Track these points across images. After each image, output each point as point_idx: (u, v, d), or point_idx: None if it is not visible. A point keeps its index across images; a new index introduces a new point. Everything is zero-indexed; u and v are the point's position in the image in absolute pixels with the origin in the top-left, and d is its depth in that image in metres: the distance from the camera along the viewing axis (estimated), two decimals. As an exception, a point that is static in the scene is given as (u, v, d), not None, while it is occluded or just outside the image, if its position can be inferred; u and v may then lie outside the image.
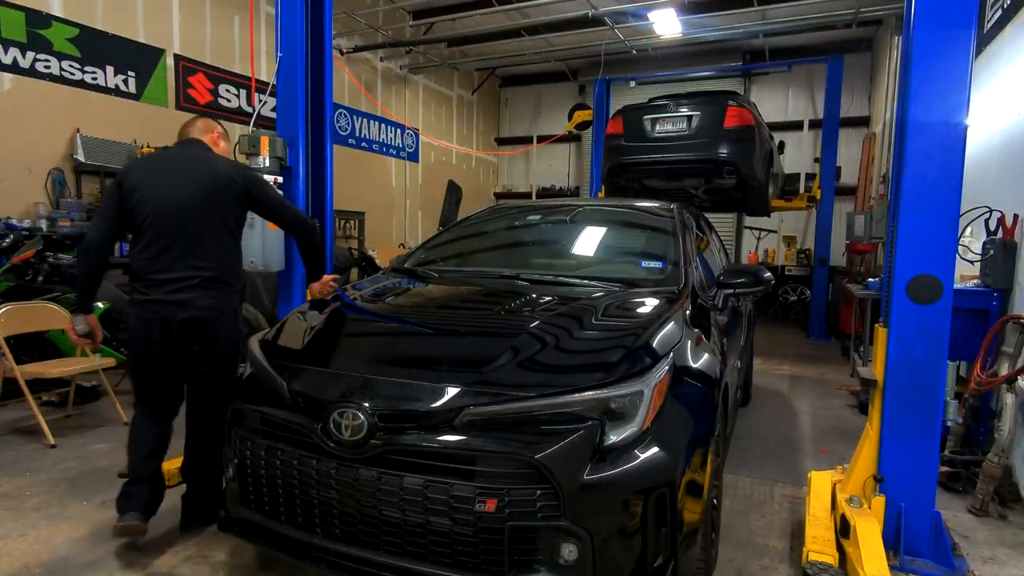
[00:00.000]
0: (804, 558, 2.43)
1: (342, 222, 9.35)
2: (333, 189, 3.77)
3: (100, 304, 4.61)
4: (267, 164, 3.40)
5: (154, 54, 6.72)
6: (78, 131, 5.95)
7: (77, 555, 2.47)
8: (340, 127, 9.27)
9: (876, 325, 2.65)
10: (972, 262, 3.94)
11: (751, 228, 11.38)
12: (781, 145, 7.91)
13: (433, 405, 1.81)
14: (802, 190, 10.08)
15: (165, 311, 2.43)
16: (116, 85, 6.35)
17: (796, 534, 2.79)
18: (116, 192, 2.55)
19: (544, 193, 13.37)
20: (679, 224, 3.08)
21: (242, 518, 2.12)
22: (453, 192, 7.42)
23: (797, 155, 11.16)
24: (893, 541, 2.50)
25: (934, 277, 2.38)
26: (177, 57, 6.98)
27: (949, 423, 3.51)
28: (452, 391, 1.83)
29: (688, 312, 2.33)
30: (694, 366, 2.09)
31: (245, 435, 2.10)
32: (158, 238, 2.49)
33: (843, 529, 2.56)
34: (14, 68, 5.54)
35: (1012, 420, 3.14)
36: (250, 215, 3.45)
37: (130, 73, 6.48)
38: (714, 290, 2.90)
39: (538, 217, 3.59)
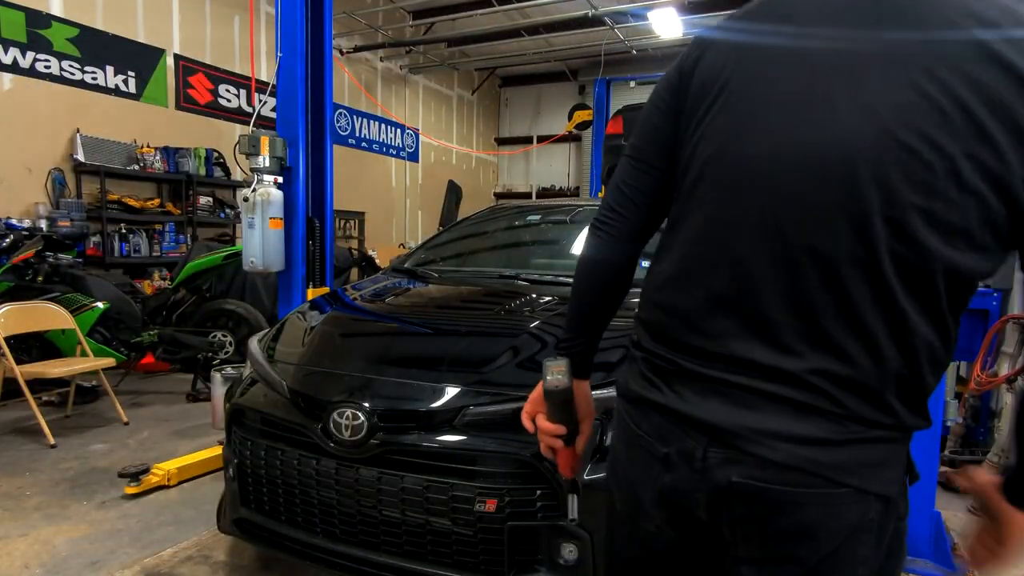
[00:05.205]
0: (804, 558, 2.42)
1: (342, 222, 9.34)
2: (333, 189, 3.77)
3: (100, 304, 4.61)
4: (267, 164, 3.40)
5: (154, 54, 6.71)
6: (78, 131, 5.95)
7: (77, 555, 2.47)
8: (340, 127, 9.26)
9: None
10: (972, 262, 3.94)
11: (751, 228, 11.37)
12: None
13: (433, 405, 1.81)
14: (802, 190, 10.07)
15: (695, 445, 0.88)
16: (116, 85, 6.34)
17: (796, 534, 2.78)
18: (673, 86, 0.98)
19: (544, 193, 13.37)
20: (679, 224, 3.07)
21: (242, 518, 2.12)
22: (453, 192, 7.43)
23: (797, 155, 11.14)
24: (893, 541, 2.50)
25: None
26: (177, 57, 6.98)
27: (949, 423, 3.50)
28: (452, 391, 1.83)
29: (688, 312, 2.33)
30: (694, 366, 2.09)
31: (245, 435, 2.10)
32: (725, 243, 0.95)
33: (843, 529, 2.55)
34: (14, 68, 5.53)
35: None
36: (250, 215, 3.47)
37: (130, 73, 6.47)
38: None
39: (538, 217, 3.59)
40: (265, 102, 3.81)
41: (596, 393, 1.82)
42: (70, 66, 5.94)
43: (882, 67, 0.76)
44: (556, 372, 1.05)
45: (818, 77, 0.80)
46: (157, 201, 6.57)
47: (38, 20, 5.69)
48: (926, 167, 0.73)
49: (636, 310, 1.05)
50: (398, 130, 10.68)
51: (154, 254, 6.38)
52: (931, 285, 0.76)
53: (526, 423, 1.11)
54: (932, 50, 0.73)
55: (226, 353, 5.09)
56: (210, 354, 4.87)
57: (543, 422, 1.08)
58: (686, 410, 0.87)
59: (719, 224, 0.86)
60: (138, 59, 6.55)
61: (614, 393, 1.77)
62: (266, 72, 7.66)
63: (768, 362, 0.82)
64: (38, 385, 4.28)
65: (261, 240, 3.40)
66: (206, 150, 6.84)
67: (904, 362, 0.78)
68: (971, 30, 0.72)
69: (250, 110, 7.67)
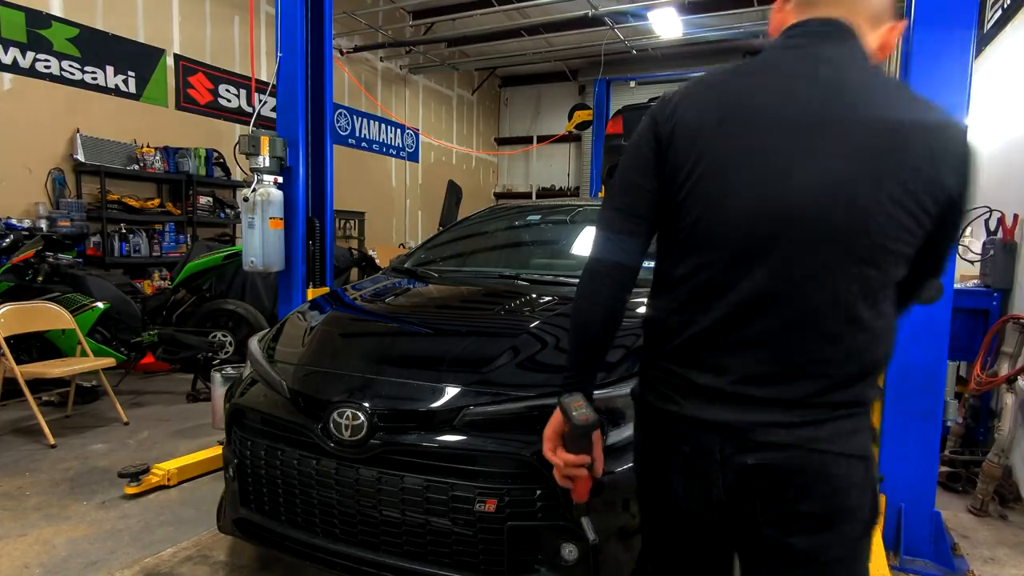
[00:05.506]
0: (804, 558, 2.42)
1: (342, 222, 9.35)
2: (333, 189, 3.77)
3: (100, 304, 4.61)
4: (267, 164, 3.40)
5: (154, 54, 6.72)
6: (78, 131, 5.95)
7: (77, 555, 2.47)
8: (340, 127, 9.27)
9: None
10: (972, 262, 3.94)
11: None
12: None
13: (433, 405, 1.81)
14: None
15: (711, 442, 1.06)
16: (116, 85, 6.35)
17: (796, 534, 2.78)
18: (651, 148, 1.13)
19: (544, 193, 13.37)
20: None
21: (242, 518, 2.12)
22: (453, 192, 7.42)
23: (797, 155, 11.14)
24: (893, 541, 2.51)
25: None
26: (177, 57, 6.98)
27: (949, 423, 3.50)
28: (452, 391, 1.83)
29: (688, 312, 2.33)
30: (694, 366, 2.09)
31: (245, 435, 2.10)
32: (728, 278, 1.06)
33: (843, 529, 2.55)
34: (14, 68, 5.53)
35: (1012, 420, 3.14)
36: (250, 215, 3.47)
37: (130, 73, 6.47)
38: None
39: (538, 217, 3.59)
40: (265, 102, 3.81)
41: (598, 393, 1.83)
42: (70, 66, 5.94)
43: (833, 137, 0.99)
44: (579, 408, 1.14)
45: (785, 144, 1.01)
46: (157, 201, 6.57)
47: (38, 20, 5.69)
48: (879, 211, 0.97)
49: (645, 326, 1.20)
50: (398, 130, 10.69)
51: (154, 254, 6.38)
52: (883, 295, 1.02)
53: (550, 458, 1.20)
54: (866, 127, 0.98)
55: (226, 353, 5.09)
56: (210, 354, 4.87)
57: (566, 456, 1.17)
58: (702, 415, 1.06)
59: (717, 265, 1.05)
60: (138, 59, 6.55)
61: (614, 393, 1.79)
62: (266, 72, 7.67)
63: (766, 371, 1.03)
64: (38, 385, 4.29)
65: (261, 240, 3.40)
66: (206, 150, 6.85)
67: (869, 357, 1.02)
68: (891, 112, 0.98)
69: (250, 110, 7.67)
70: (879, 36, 1.10)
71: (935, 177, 0.98)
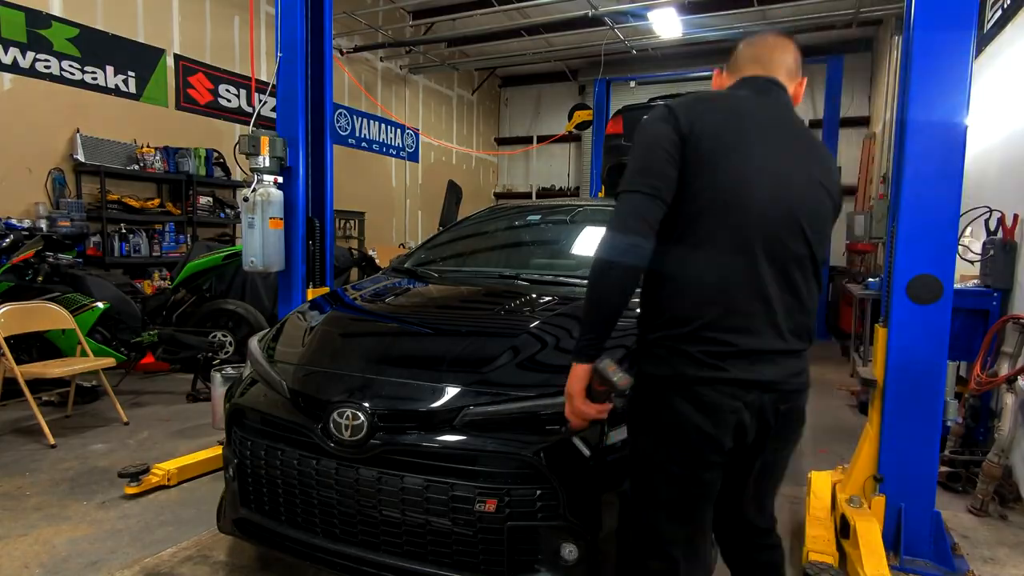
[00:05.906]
0: (804, 558, 2.42)
1: (342, 222, 9.34)
2: (333, 189, 3.77)
3: (100, 304, 4.61)
4: (267, 164, 3.40)
5: (154, 54, 6.72)
6: (78, 131, 5.95)
7: (77, 555, 2.47)
8: (340, 127, 9.26)
9: (876, 325, 2.65)
10: (972, 262, 3.94)
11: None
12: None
13: (433, 405, 1.81)
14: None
15: (753, 398, 1.39)
16: (116, 85, 6.35)
17: (796, 534, 2.79)
18: (674, 143, 1.38)
19: (544, 193, 13.36)
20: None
21: (242, 518, 2.12)
22: (453, 192, 7.42)
23: (797, 155, 11.11)
24: (893, 541, 2.50)
25: (934, 277, 2.38)
26: (177, 57, 6.98)
27: (949, 423, 3.50)
28: (452, 391, 1.84)
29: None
30: (694, 366, 2.09)
31: (245, 435, 2.10)
32: (746, 254, 1.38)
33: (843, 529, 2.56)
34: (14, 68, 5.53)
35: (1012, 420, 3.14)
36: (250, 215, 3.46)
37: (130, 73, 6.47)
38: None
39: (538, 217, 3.59)
40: (265, 102, 3.81)
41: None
42: (70, 66, 5.94)
43: (804, 150, 1.47)
44: (615, 371, 1.34)
45: (770, 155, 1.41)
46: (157, 201, 6.57)
47: (38, 20, 5.69)
48: (827, 201, 1.49)
49: (665, 309, 1.42)
50: (398, 130, 10.68)
51: (154, 254, 6.38)
52: (819, 269, 1.46)
53: (583, 409, 1.40)
54: (811, 144, 1.50)
55: (226, 353, 5.09)
56: (210, 354, 4.87)
57: (595, 406, 1.41)
58: (746, 376, 1.37)
59: (739, 247, 1.36)
60: (138, 59, 6.55)
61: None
62: (266, 72, 7.67)
63: (786, 331, 1.41)
64: (38, 385, 4.29)
65: (261, 240, 3.40)
66: (206, 150, 6.84)
67: (815, 307, 1.48)
68: (813, 135, 1.54)
69: (250, 110, 7.67)
70: (792, 88, 1.55)
71: (832, 175, 1.51)
